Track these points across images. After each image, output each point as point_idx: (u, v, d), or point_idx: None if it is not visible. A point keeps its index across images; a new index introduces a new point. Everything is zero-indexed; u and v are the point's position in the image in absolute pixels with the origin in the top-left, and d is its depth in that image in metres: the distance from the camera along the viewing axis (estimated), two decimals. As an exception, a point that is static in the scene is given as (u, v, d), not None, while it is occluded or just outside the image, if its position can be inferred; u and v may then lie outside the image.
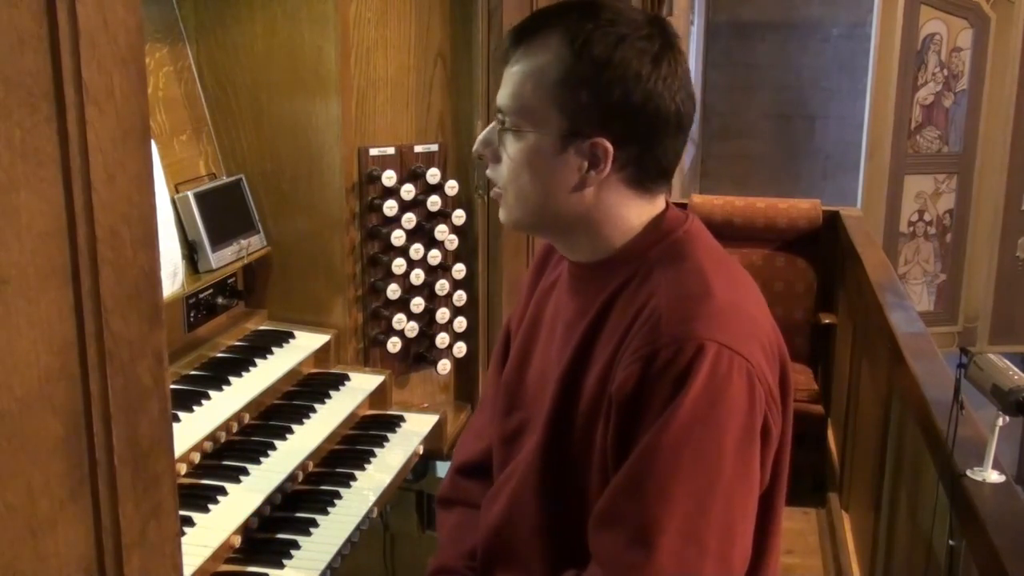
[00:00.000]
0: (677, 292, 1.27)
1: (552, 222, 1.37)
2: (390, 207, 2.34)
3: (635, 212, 1.35)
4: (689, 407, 1.20)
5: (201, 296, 2.11)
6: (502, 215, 1.41)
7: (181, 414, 1.87)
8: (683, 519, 1.20)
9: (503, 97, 1.34)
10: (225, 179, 2.24)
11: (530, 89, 1.30)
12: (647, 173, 1.32)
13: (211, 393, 1.96)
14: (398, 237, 2.36)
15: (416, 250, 2.40)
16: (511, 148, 1.33)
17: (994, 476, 1.75)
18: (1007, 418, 1.70)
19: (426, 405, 2.51)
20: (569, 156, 1.30)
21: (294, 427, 2.03)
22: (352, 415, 2.19)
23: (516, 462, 1.44)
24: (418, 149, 2.41)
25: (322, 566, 1.74)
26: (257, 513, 1.78)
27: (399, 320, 2.40)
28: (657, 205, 1.38)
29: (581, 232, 1.36)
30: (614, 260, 1.36)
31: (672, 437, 1.20)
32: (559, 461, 1.36)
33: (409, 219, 2.38)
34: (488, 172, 1.40)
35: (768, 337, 1.31)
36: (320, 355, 2.30)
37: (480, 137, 1.39)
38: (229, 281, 2.21)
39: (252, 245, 2.24)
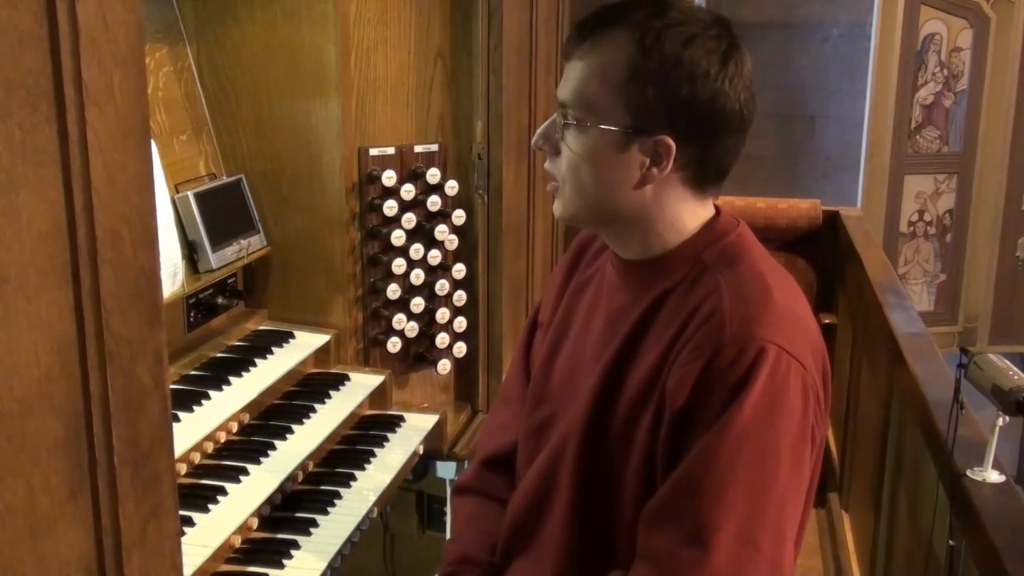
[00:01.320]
0: (739, 294, 1.28)
1: (608, 217, 1.37)
2: (390, 207, 2.34)
3: (690, 213, 1.36)
4: (749, 409, 1.21)
5: (201, 296, 2.11)
6: (557, 208, 1.40)
7: (181, 414, 1.87)
8: (739, 520, 1.21)
9: (567, 91, 1.33)
10: (225, 179, 2.24)
11: (596, 84, 1.30)
12: (706, 173, 1.33)
13: (211, 393, 1.96)
14: (398, 237, 2.35)
15: (416, 250, 2.40)
16: (573, 142, 1.32)
17: (994, 476, 1.75)
18: (1007, 418, 1.70)
19: (426, 405, 2.51)
20: (632, 153, 1.30)
21: (294, 427, 2.03)
22: (352, 415, 2.19)
23: (547, 453, 1.44)
24: (418, 149, 2.41)
25: (322, 566, 1.74)
26: (257, 513, 1.78)
27: (399, 320, 2.40)
28: (709, 208, 1.39)
29: (636, 229, 1.36)
30: (668, 259, 1.36)
31: (732, 438, 1.21)
32: (595, 452, 1.36)
33: (409, 219, 2.38)
34: (546, 166, 1.39)
35: (816, 342, 1.32)
36: (320, 355, 2.30)
37: (540, 130, 1.37)
38: (229, 281, 2.21)
39: (252, 245, 2.24)
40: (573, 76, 1.32)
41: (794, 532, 1.30)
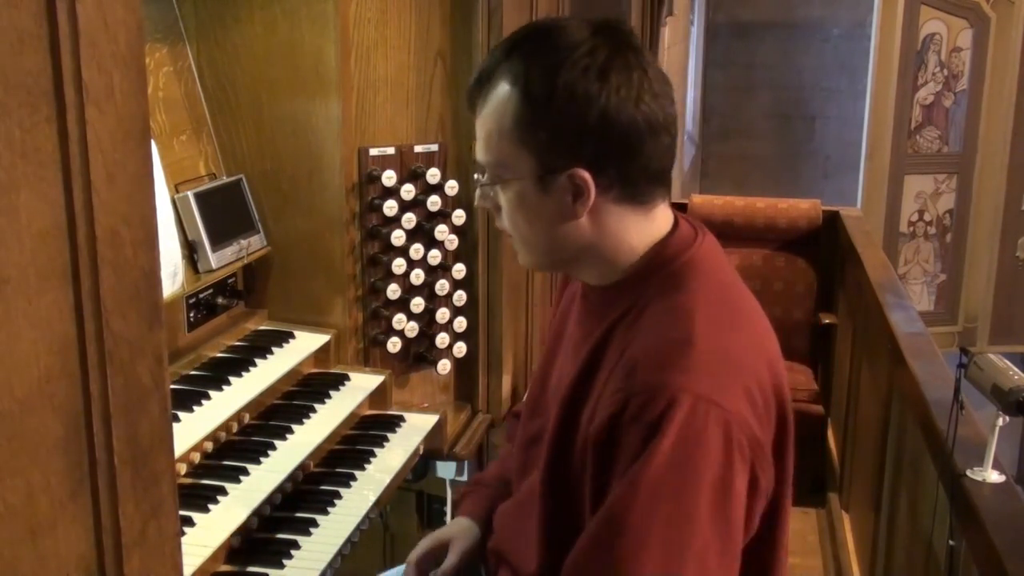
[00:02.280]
0: (656, 337, 1.23)
1: (562, 257, 1.36)
2: (390, 207, 2.34)
3: (635, 231, 1.31)
4: (661, 461, 1.15)
5: (201, 296, 2.11)
6: (519, 259, 1.42)
7: (181, 414, 1.87)
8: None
9: (478, 152, 1.34)
10: (225, 179, 2.24)
11: (496, 139, 1.29)
12: (636, 186, 1.28)
13: (211, 393, 1.96)
14: (398, 237, 2.35)
15: (416, 250, 2.40)
16: (501, 199, 1.33)
17: (994, 476, 1.75)
18: (1007, 418, 1.70)
19: (426, 405, 2.51)
20: (554, 193, 1.27)
21: (294, 427, 2.03)
22: (352, 415, 2.19)
23: (529, 480, 1.45)
24: (418, 149, 2.41)
25: (322, 566, 1.74)
26: (257, 513, 1.78)
27: (399, 320, 2.40)
28: (659, 222, 1.33)
29: (591, 260, 1.34)
30: (619, 286, 1.33)
31: (644, 492, 1.16)
32: (561, 479, 1.34)
33: (409, 219, 2.38)
34: (497, 224, 1.41)
35: (758, 379, 1.25)
36: (320, 355, 2.30)
37: (476, 194, 1.39)
38: (229, 281, 2.21)
39: (252, 245, 2.24)
40: (479, 136, 1.32)
41: None
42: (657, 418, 1.16)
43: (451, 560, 1.58)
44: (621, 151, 1.25)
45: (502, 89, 1.27)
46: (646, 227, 1.32)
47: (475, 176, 1.38)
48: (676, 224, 1.35)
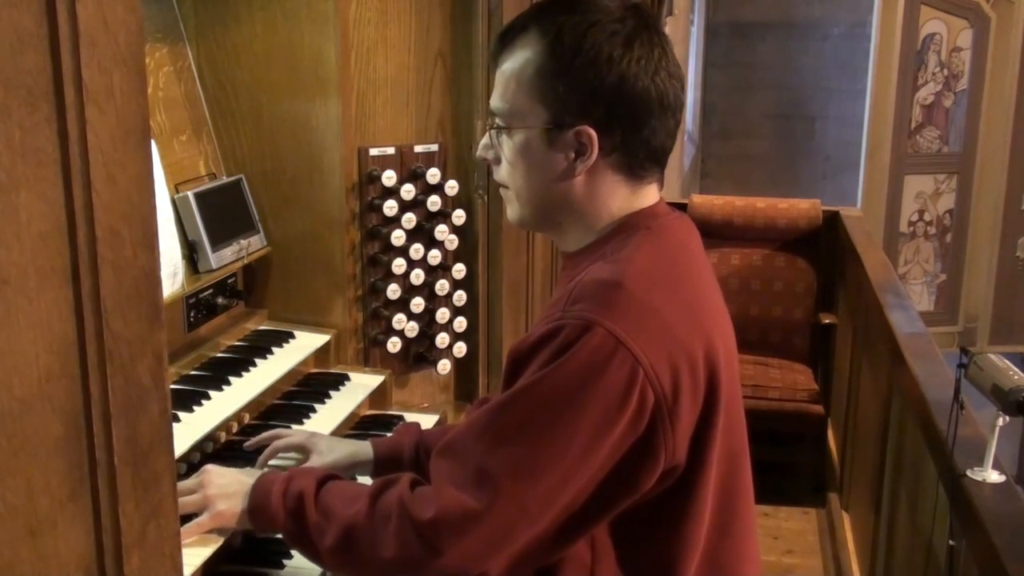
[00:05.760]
0: (593, 278, 1.30)
1: (549, 217, 1.41)
2: (390, 207, 2.34)
3: (620, 202, 1.37)
4: (557, 379, 1.22)
5: (201, 296, 2.11)
6: (508, 214, 1.46)
7: (181, 414, 1.87)
8: (512, 479, 1.23)
9: (493, 100, 1.39)
10: (225, 179, 2.24)
11: (514, 88, 1.35)
12: (635, 157, 1.34)
13: (211, 393, 1.96)
14: (398, 237, 2.36)
15: (416, 250, 2.40)
16: (506, 148, 1.38)
17: (994, 476, 1.76)
18: (1007, 418, 1.70)
19: (426, 405, 2.51)
20: (558, 148, 1.34)
21: (294, 427, 2.03)
22: (352, 415, 2.19)
23: None
24: (418, 149, 2.41)
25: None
26: (257, 513, 1.78)
27: (399, 320, 2.40)
28: (643, 199, 1.39)
29: (574, 223, 1.40)
30: (589, 248, 1.39)
31: (529, 401, 1.24)
32: None
33: (409, 219, 2.38)
34: (494, 176, 1.45)
35: (687, 351, 1.27)
36: (320, 355, 2.30)
37: (481, 142, 1.44)
38: (229, 281, 2.21)
39: (252, 245, 2.24)
40: (498, 84, 1.38)
41: (579, 521, 1.28)
42: (570, 342, 1.23)
43: (314, 461, 1.72)
44: (629, 118, 1.31)
45: (530, 41, 1.33)
46: (630, 200, 1.38)
47: (488, 124, 1.43)
48: (658, 203, 1.41)
